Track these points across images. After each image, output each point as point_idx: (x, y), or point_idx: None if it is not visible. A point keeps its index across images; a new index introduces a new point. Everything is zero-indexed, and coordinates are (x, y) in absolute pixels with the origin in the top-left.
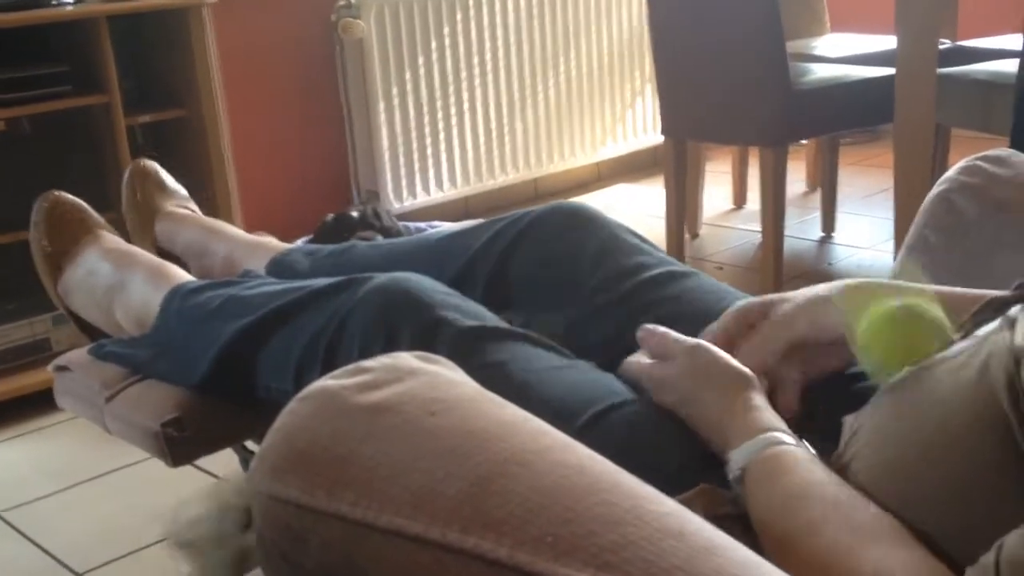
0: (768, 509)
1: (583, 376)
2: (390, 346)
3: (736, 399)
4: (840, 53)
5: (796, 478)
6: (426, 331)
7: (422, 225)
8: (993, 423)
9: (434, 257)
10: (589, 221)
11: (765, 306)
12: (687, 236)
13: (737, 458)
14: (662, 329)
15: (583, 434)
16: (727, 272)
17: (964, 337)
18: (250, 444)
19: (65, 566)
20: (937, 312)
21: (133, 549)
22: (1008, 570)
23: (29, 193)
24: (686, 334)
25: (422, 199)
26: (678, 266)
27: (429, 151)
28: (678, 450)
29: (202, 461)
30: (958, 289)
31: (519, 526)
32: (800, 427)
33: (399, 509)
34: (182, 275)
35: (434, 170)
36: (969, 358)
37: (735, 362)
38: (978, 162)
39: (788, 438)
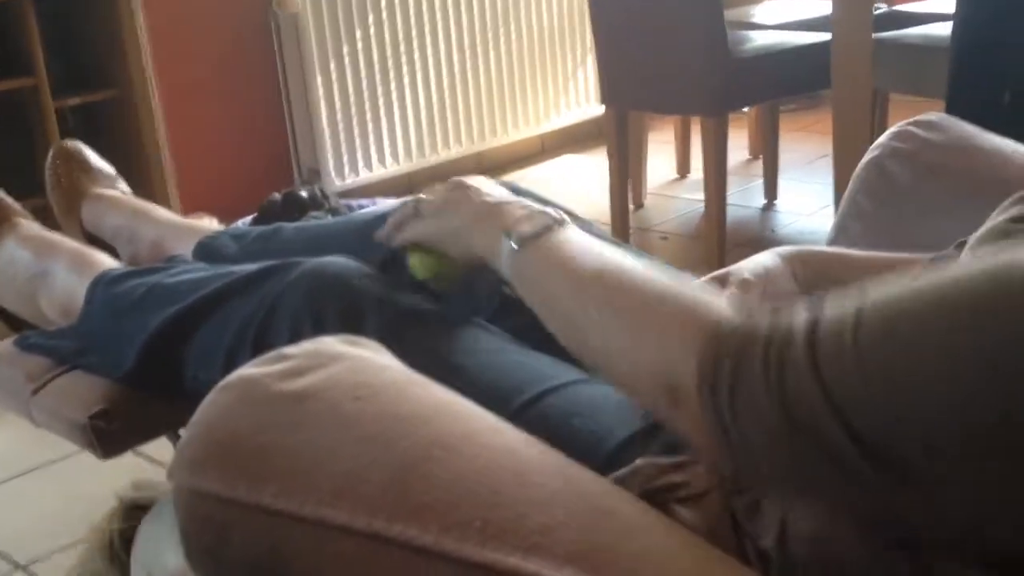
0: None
1: (516, 359)
2: (319, 331)
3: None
4: (778, 20)
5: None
6: (354, 315)
7: (365, 202)
8: None
9: (361, 240)
10: None
11: (719, 279)
12: (632, 206)
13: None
14: None
15: (518, 418)
16: (672, 242)
17: None
18: (183, 432)
19: (7, 558)
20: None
21: (76, 539)
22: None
23: None
24: None
25: (364, 176)
26: None
27: (370, 127)
28: (616, 430)
29: (142, 447)
30: (894, 254)
31: (445, 511)
32: None
33: (322, 499)
34: (106, 262)
35: (376, 146)
36: None
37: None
38: (910, 127)
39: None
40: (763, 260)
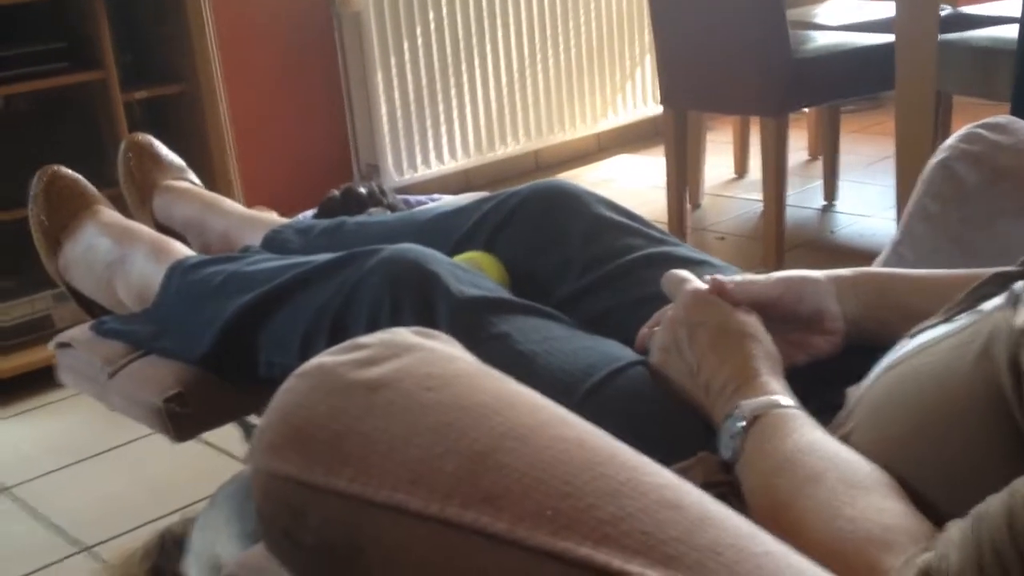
0: (771, 464)
1: (585, 343)
2: (396, 317)
3: (739, 352)
4: (840, 20)
5: (799, 436)
6: (431, 301)
7: (422, 198)
8: (993, 403)
9: (422, 238)
10: (575, 200)
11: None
12: (688, 206)
13: (746, 411)
14: (679, 272)
15: (588, 399)
16: (729, 242)
17: (966, 311)
18: (253, 418)
19: (73, 540)
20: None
21: (140, 523)
22: (984, 524)
23: (28, 171)
24: None
25: (423, 172)
26: (667, 244)
27: (429, 124)
28: (680, 413)
29: (207, 435)
30: (952, 272)
31: (517, 500)
32: (801, 402)
33: (397, 484)
34: (183, 250)
35: (434, 143)
36: (972, 335)
37: (736, 311)
38: (978, 129)
39: (789, 400)
40: (807, 271)
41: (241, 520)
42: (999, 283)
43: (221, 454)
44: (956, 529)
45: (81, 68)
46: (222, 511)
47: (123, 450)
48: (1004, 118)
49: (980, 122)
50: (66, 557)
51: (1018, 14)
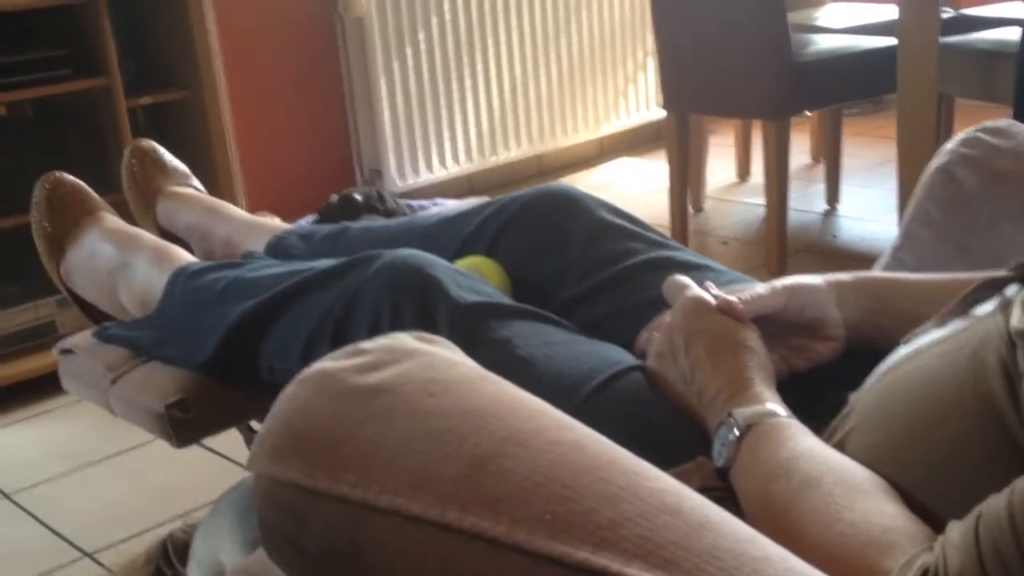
0: (766, 471)
1: (585, 348)
2: (397, 322)
3: (733, 362)
4: (842, 24)
5: (794, 444)
6: (432, 307)
7: (425, 203)
8: (983, 407)
9: (424, 243)
10: (576, 205)
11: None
12: (691, 210)
13: (740, 419)
14: (680, 278)
15: (589, 404)
16: (732, 246)
17: (958, 316)
18: (255, 424)
19: (75, 546)
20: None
21: (142, 529)
22: (984, 524)
23: (32, 177)
24: None
25: (425, 177)
26: (668, 249)
27: (432, 128)
28: (679, 418)
29: (209, 440)
30: (947, 276)
31: (517, 504)
32: (803, 407)
33: (399, 490)
34: (185, 256)
35: (437, 147)
36: (963, 340)
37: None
38: (978, 134)
39: (782, 410)
40: (798, 278)
41: (244, 528)
42: (991, 288)
43: (223, 460)
44: (956, 530)
45: (85, 75)
46: (225, 518)
47: (125, 456)
48: (1004, 122)
49: (979, 126)
50: (68, 563)
51: (1020, 16)
